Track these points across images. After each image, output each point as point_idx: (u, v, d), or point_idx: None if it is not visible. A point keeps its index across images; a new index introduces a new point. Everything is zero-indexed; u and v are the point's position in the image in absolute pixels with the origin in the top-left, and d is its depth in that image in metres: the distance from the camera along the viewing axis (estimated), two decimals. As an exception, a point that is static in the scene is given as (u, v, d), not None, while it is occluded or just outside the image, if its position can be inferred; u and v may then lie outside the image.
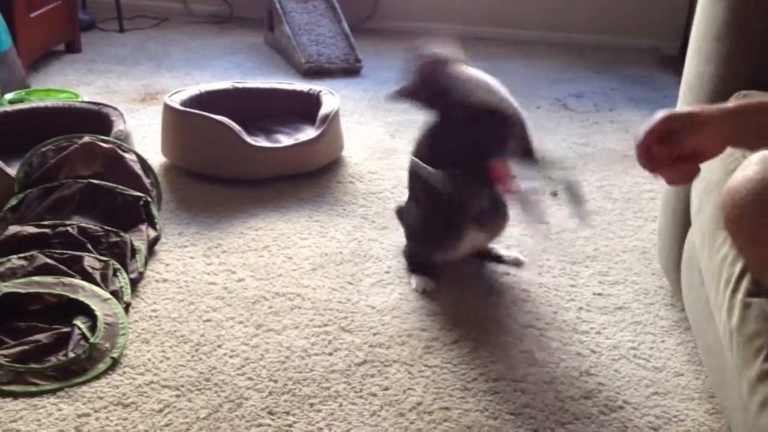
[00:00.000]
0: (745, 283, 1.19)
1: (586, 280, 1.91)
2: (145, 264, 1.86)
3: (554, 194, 2.36)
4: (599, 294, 1.85)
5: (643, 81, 3.55)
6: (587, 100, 3.26)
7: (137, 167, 2.08)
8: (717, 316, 1.28)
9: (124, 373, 1.52)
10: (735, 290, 1.20)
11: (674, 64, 3.70)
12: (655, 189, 2.40)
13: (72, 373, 1.49)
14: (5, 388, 1.45)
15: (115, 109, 2.35)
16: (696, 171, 1.15)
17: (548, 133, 2.87)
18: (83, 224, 1.85)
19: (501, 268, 1.94)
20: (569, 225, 2.16)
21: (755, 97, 1.46)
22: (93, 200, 1.95)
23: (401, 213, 2.02)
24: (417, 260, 1.90)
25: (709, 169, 1.43)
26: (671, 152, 1.13)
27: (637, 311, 1.79)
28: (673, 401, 1.50)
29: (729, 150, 1.38)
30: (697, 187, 1.49)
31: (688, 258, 1.59)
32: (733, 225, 1.14)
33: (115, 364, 1.54)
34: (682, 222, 1.65)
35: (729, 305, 1.20)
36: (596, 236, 2.11)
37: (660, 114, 1.14)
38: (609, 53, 3.93)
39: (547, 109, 3.14)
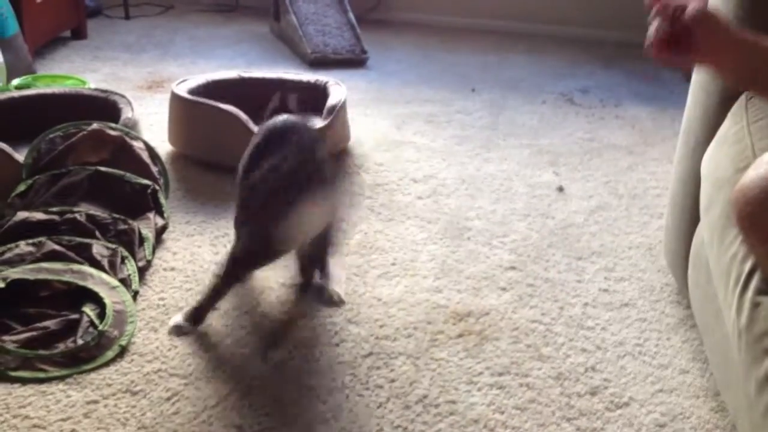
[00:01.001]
0: (755, 282, 1.19)
1: (591, 276, 1.91)
2: (153, 252, 1.86)
3: (560, 189, 2.38)
4: (605, 290, 1.85)
5: (649, 77, 3.54)
6: (593, 95, 3.26)
7: (145, 155, 2.08)
8: (725, 315, 1.28)
9: (133, 360, 1.53)
10: (744, 288, 1.20)
11: (680, 60, 3.70)
12: (661, 185, 2.40)
13: (80, 360, 1.49)
14: (14, 373, 1.46)
15: (123, 96, 2.35)
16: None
17: (554, 127, 2.88)
18: (91, 211, 1.85)
19: (508, 263, 1.95)
20: (576, 220, 2.17)
21: None
22: (101, 187, 1.95)
23: None
24: None
25: (718, 165, 1.44)
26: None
27: (642, 308, 1.79)
28: (678, 398, 1.51)
29: (738, 148, 1.39)
30: (706, 183, 1.49)
31: (696, 255, 1.59)
32: (745, 222, 1.14)
33: (123, 351, 1.54)
34: (690, 218, 1.65)
35: (738, 304, 1.21)
36: (602, 232, 2.12)
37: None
38: (615, 48, 3.92)
39: (552, 104, 3.14)
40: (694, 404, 1.50)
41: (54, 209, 1.84)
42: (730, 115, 1.51)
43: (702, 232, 1.53)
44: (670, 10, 1.24)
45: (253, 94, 2.61)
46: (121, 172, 1.99)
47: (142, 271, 1.79)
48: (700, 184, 1.55)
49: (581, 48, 3.94)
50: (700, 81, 1.70)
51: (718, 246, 1.34)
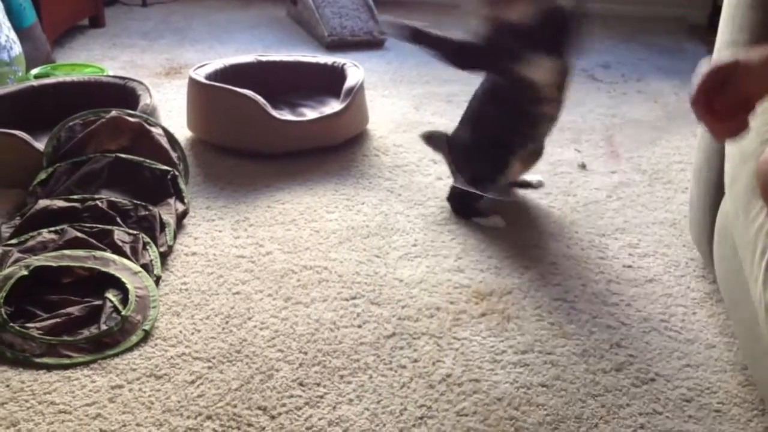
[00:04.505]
0: (781, 254, 1.17)
1: (615, 252, 1.89)
2: (174, 237, 1.87)
3: (582, 166, 2.35)
4: (629, 266, 1.84)
5: (672, 50, 3.50)
6: (615, 70, 3.22)
7: (164, 141, 2.08)
8: (752, 288, 1.26)
9: (156, 345, 1.53)
10: (771, 261, 1.19)
11: (702, 33, 3.65)
12: (685, 160, 2.37)
13: (105, 346, 1.50)
14: (39, 360, 1.47)
15: (141, 83, 2.36)
16: (746, 124, 1.12)
17: (576, 104, 2.84)
18: (112, 198, 1.86)
19: (530, 241, 1.93)
20: (598, 197, 2.15)
21: None
22: (121, 174, 1.96)
23: (450, 142, 2.11)
24: (469, 201, 2.01)
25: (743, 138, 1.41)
26: (731, 103, 1.10)
27: (667, 283, 1.77)
28: (705, 373, 1.49)
29: (763, 119, 1.36)
30: (731, 156, 1.47)
31: (721, 229, 1.57)
32: (770, 195, 1.12)
33: (146, 336, 1.55)
34: (715, 192, 1.63)
35: (764, 277, 1.19)
36: (625, 208, 2.09)
37: (706, 66, 1.12)
38: (636, 23, 3.87)
39: (574, 80, 3.09)
40: (721, 378, 1.48)
41: (75, 197, 1.85)
42: (754, 85, 1.48)
43: (727, 205, 1.51)
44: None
45: (270, 78, 2.61)
46: (141, 159, 1.99)
47: (163, 257, 1.79)
48: (724, 157, 1.52)
49: (602, 23, 3.89)
50: (721, 52, 1.66)
51: (744, 219, 1.32)
